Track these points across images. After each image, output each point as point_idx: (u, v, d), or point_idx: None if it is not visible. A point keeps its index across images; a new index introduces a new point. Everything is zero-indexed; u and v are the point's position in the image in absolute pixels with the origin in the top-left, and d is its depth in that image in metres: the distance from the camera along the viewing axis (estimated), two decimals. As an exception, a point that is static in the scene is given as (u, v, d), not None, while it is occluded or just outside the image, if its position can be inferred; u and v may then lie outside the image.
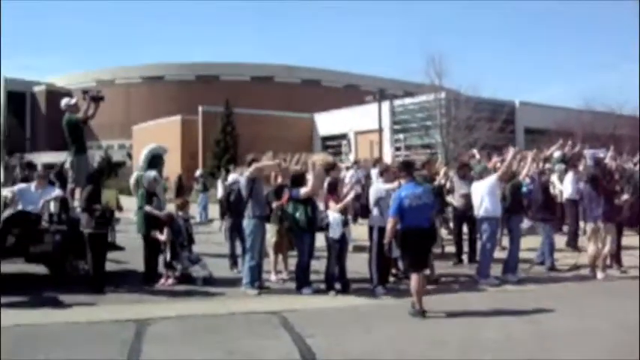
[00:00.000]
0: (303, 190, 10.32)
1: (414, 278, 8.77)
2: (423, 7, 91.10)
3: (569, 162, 16.81)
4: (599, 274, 11.77)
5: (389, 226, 8.94)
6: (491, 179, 11.57)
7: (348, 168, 19.19)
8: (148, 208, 11.19)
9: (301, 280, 10.35)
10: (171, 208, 12.22)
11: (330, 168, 11.14)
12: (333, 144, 44.07)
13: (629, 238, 13.97)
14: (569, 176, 15.88)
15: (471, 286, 11.08)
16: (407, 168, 9.48)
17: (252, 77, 61.35)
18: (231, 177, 13.83)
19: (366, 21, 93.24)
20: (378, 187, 10.69)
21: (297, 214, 10.31)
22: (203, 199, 23.58)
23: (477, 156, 15.97)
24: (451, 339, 7.64)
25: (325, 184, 10.72)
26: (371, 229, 10.53)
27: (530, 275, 12.13)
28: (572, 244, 15.20)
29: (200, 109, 44.90)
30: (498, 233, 12.52)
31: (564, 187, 15.94)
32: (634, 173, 15.95)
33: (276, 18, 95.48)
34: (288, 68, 62.36)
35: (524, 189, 13.35)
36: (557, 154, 17.25)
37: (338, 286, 10.31)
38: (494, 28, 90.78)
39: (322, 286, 10.36)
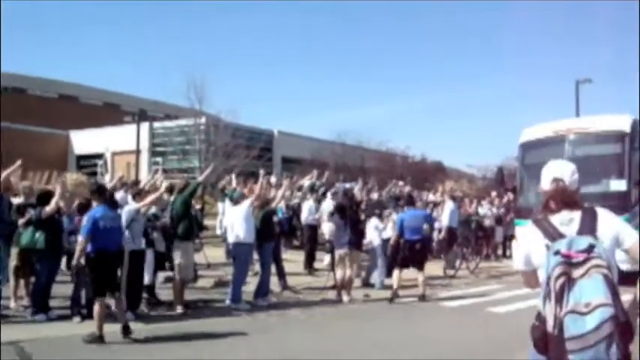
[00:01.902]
0: (46, 210, 9.75)
1: (98, 304, 8.51)
2: (187, 30, 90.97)
3: (319, 191, 17.69)
4: (345, 298, 12.37)
5: (79, 247, 8.64)
6: (245, 205, 11.77)
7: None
8: None
9: (37, 305, 9.72)
10: None
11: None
12: (89, 163, 42.34)
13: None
14: (309, 204, 16.74)
15: (222, 311, 11.12)
16: (99, 192, 9.26)
17: (5, 88, 57.22)
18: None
19: (128, 38, 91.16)
20: (130, 209, 10.37)
21: (37, 235, 9.72)
22: None
23: (234, 182, 16.19)
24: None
25: (75, 205, 10.26)
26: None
27: (281, 300, 12.44)
28: (308, 266, 16.25)
29: (-60, 118, 40.92)
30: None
31: (303, 213, 16.77)
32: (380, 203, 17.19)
33: (31, 25, 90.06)
34: (44, 81, 58.89)
35: (280, 215, 13.78)
36: (307, 183, 18.03)
37: (85, 311, 9.83)
38: (257, 58, 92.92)
39: (69, 312, 9.81)
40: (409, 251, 12.77)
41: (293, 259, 16.52)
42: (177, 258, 10.97)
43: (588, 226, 3.27)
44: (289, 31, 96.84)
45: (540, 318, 3.10)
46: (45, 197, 10.08)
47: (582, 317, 2.87)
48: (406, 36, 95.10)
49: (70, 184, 10.90)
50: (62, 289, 10.29)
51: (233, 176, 16.47)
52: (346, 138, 40.18)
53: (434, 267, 18.00)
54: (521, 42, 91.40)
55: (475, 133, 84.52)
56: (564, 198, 3.42)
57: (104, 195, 9.17)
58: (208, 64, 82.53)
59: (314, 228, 16.79)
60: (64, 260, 10.74)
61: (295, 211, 17.88)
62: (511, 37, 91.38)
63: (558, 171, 3.55)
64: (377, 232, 14.30)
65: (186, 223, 11.12)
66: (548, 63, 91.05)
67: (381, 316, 11.29)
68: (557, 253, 3.05)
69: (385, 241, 14.32)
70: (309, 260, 16.52)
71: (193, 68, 48.59)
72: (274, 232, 12.78)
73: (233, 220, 11.84)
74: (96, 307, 8.52)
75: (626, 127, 15.54)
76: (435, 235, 18.52)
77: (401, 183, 22.29)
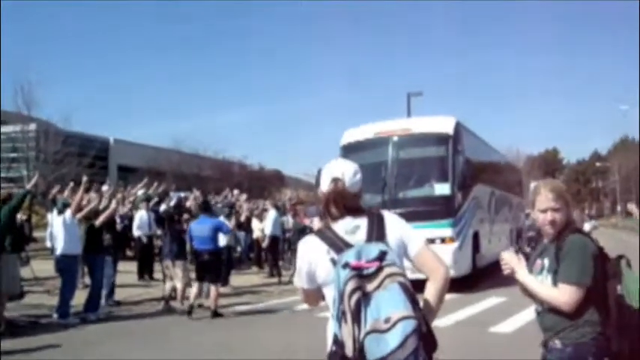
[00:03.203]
0: None
1: None
2: (18, 30, 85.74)
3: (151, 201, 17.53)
4: (177, 307, 12.31)
5: None
6: (66, 215, 11.52)
7: None
8: None
9: None
10: None
11: None
12: None
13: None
14: (141, 214, 16.70)
15: (49, 327, 10.71)
16: None
17: None
18: None
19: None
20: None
21: None
22: None
23: (67, 192, 15.65)
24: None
25: None
26: None
27: (113, 313, 12.20)
28: (142, 277, 16.38)
29: None
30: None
31: (135, 224, 16.69)
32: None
33: None
34: None
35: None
36: (141, 192, 17.78)
37: None
38: (92, 63, 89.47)
39: None
40: (198, 262, 12.13)
41: (126, 270, 16.26)
42: (2, 272, 10.52)
43: (377, 232, 2.94)
44: (126, 36, 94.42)
45: (338, 342, 2.71)
46: None
47: (384, 335, 2.56)
48: (243, 48, 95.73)
49: None
50: None
51: (71, 184, 15.62)
52: (182, 146, 39.90)
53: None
54: (360, 59, 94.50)
55: (313, 142, 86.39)
56: (344, 201, 3.02)
57: None
58: (39, 68, 78.51)
59: (148, 238, 16.60)
60: None
61: (130, 221, 17.61)
62: (349, 54, 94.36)
63: (338, 170, 3.09)
64: None
65: (12, 235, 10.74)
66: (385, 78, 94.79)
67: (211, 325, 11.26)
68: (346, 265, 2.69)
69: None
70: (142, 271, 16.35)
71: (21, 72, 46.09)
72: (102, 244, 12.25)
73: (57, 231, 11.56)
74: None
75: (450, 129, 15.32)
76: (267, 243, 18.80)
77: (236, 191, 22.41)
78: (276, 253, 18.66)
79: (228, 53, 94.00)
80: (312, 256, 2.98)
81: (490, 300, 12.66)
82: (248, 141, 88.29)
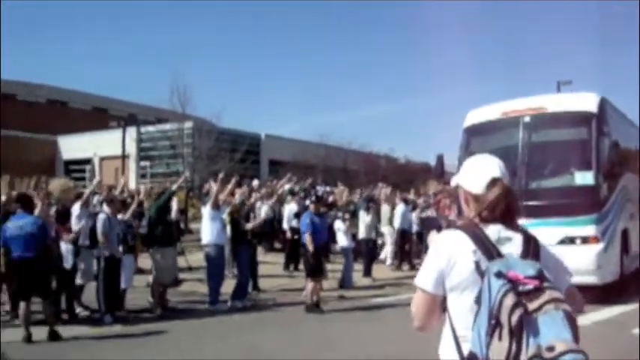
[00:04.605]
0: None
1: (21, 306, 8.92)
2: (173, 31, 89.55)
3: (299, 194, 18.07)
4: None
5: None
6: (208, 207, 12.14)
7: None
8: None
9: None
10: None
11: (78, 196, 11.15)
12: (77, 168, 42.44)
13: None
14: (290, 207, 17.28)
15: (200, 313, 11.46)
16: (22, 200, 9.52)
17: (-6, 94, 56.79)
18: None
19: (117, 41, 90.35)
20: (101, 217, 10.53)
21: None
22: None
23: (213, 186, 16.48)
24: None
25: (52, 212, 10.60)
26: (98, 258, 10.53)
27: (259, 302, 12.74)
28: (288, 268, 16.68)
29: None
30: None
31: (285, 216, 17.42)
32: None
33: (19, 32, 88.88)
34: (31, 86, 58.56)
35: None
36: (287, 186, 18.33)
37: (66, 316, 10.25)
38: (245, 62, 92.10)
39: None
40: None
41: (274, 262, 16.89)
42: (155, 263, 11.40)
43: (533, 251, 2.54)
44: (274, 33, 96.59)
45: None
46: (25, 200, 9.83)
47: None
48: (390, 40, 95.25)
49: (57, 189, 11.23)
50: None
51: (233, 180, 15.83)
52: (329, 140, 40.58)
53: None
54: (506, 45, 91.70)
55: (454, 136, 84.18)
56: (514, 204, 2.62)
57: (27, 203, 9.46)
58: (194, 66, 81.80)
59: (295, 230, 17.04)
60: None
61: (276, 213, 18.25)
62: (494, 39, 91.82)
63: (495, 169, 2.68)
64: (342, 233, 14.65)
65: (162, 229, 11.50)
66: (533, 66, 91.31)
67: (351, 317, 11.45)
68: (500, 275, 2.32)
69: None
70: (289, 263, 16.89)
71: (177, 72, 48.15)
72: (246, 236, 12.67)
73: (204, 223, 12.25)
74: (19, 310, 8.99)
75: (593, 107, 12.76)
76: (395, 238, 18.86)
77: (380, 184, 22.55)
78: (405, 247, 18.59)
79: (368, 47, 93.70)
80: (454, 253, 2.55)
81: (635, 302, 11.36)
82: (393, 134, 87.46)
